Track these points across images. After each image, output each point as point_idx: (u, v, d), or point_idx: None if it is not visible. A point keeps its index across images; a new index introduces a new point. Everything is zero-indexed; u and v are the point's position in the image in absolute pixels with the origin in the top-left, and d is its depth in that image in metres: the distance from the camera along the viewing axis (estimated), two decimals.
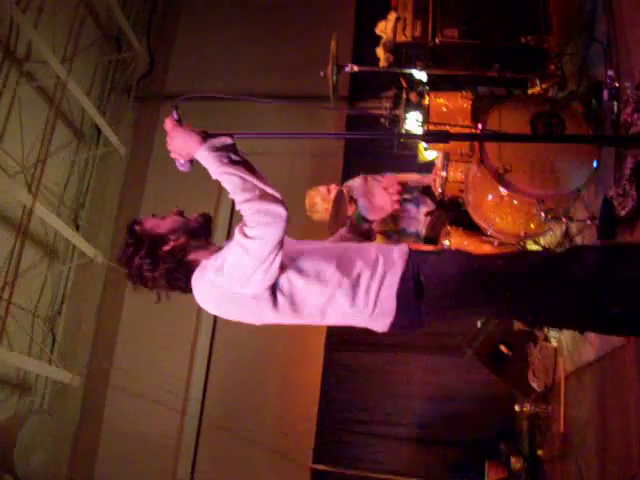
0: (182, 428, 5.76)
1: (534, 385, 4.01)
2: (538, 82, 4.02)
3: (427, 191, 4.50)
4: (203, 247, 2.23)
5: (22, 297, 5.22)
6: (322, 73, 3.99)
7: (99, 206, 6.27)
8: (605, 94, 3.13)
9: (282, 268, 2.11)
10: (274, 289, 2.14)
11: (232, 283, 2.10)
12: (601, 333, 2.91)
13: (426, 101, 3.90)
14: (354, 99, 5.45)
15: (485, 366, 4.18)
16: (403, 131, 4.11)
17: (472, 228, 3.82)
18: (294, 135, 2.41)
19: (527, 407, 4.14)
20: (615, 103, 3.07)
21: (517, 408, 4.25)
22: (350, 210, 4.19)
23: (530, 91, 4.17)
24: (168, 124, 2.06)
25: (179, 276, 2.21)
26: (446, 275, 2.21)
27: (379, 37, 4.85)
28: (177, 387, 5.81)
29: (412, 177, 4.67)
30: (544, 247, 3.67)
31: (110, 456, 5.78)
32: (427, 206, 4.42)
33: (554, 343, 3.81)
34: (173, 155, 2.10)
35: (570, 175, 3.05)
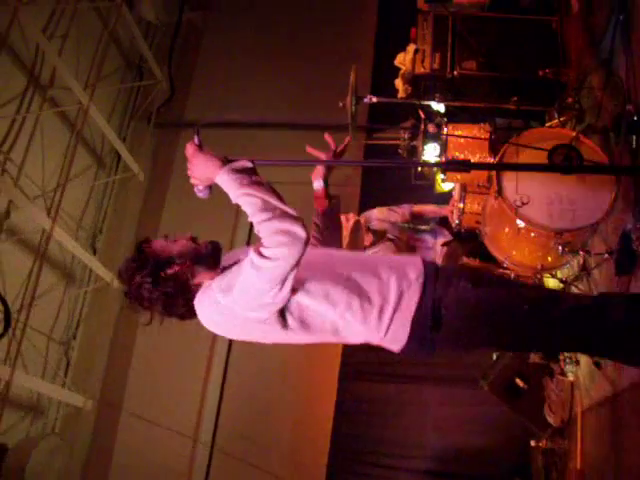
0: (193, 456, 5.73)
1: (550, 420, 3.96)
2: (556, 115, 4.03)
3: (444, 222, 4.50)
4: (208, 275, 2.16)
5: (38, 320, 5.24)
6: (341, 104, 4.02)
7: (117, 231, 6.32)
8: (623, 128, 3.13)
9: (291, 291, 2.04)
10: (283, 311, 2.08)
11: (239, 305, 2.03)
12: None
13: (444, 133, 3.91)
14: (372, 130, 5.47)
15: (500, 399, 4.13)
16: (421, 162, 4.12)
17: (488, 260, 3.81)
18: (313, 163, 2.40)
19: (543, 442, 4.08)
20: (634, 137, 3.06)
21: (533, 443, 4.18)
22: (367, 241, 4.20)
23: (548, 124, 4.18)
24: (189, 149, 2.05)
25: (178, 302, 2.15)
26: (470, 313, 2.13)
27: (398, 68, 4.90)
28: (189, 414, 5.79)
29: (429, 208, 4.68)
30: (562, 280, 3.64)
31: None
32: (444, 237, 4.43)
33: (571, 377, 3.76)
34: (193, 181, 2.08)
35: (588, 208, 3.04)
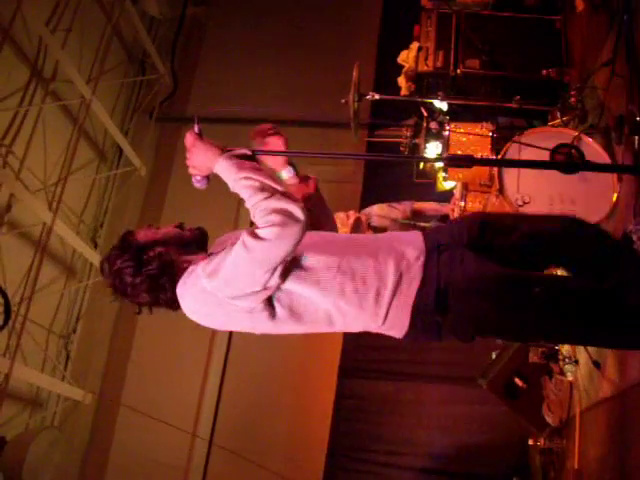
0: (192, 450, 5.74)
1: (549, 419, 3.96)
2: (559, 114, 4.03)
3: (445, 220, 4.50)
4: (194, 259, 2.05)
5: (38, 313, 5.24)
6: (344, 100, 4.02)
7: (118, 225, 6.31)
8: (626, 128, 3.12)
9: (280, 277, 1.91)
10: (270, 300, 1.94)
11: (225, 291, 1.90)
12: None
13: (446, 131, 3.91)
14: (375, 127, 5.47)
15: (499, 398, 4.13)
16: None
17: None
18: (314, 155, 2.29)
19: (541, 441, 4.08)
20: (636, 137, 3.06)
21: (531, 442, 4.19)
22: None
23: (550, 123, 4.18)
24: (189, 138, 1.99)
25: (163, 285, 2.02)
26: (478, 296, 1.97)
27: (401, 66, 4.90)
28: (188, 409, 5.80)
29: (430, 206, 4.68)
30: None
31: (119, 475, 5.76)
32: None
33: (570, 377, 3.76)
34: (191, 171, 2.03)
35: (589, 208, 3.04)
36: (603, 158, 3.13)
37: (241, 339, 5.80)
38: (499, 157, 3.39)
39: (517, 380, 4.03)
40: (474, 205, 4.07)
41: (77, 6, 5.44)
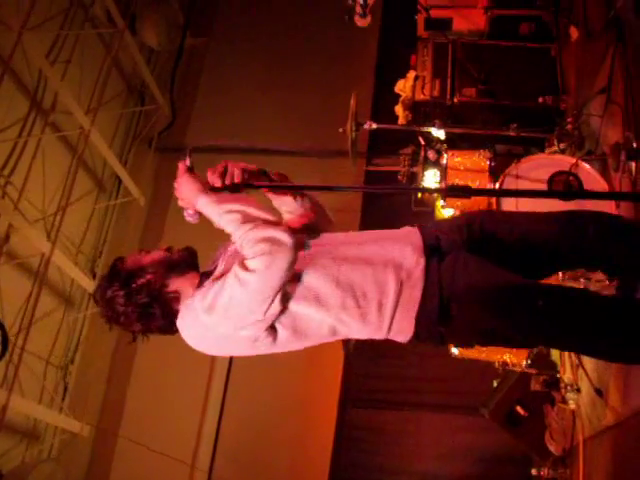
0: None
1: (551, 448, 3.92)
2: (556, 142, 4.04)
3: None
4: (186, 281, 2.04)
5: (36, 344, 5.20)
6: (341, 129, 4.04)
7: (116, 255, 6.30)
8: (623, 155, 3.13)
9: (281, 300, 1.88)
10: (272, 325, 1.93)
11: (226, 324, 1.88)
12: None
13: (444, 159, 3.93)
14: (372, 156, 5.50)
15: (501, 427, 4.09)
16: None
17: None
18: (308, 188, 2.23)
19: (545, 470, 4.04)
20: (633, 164, 3.07)
21: (534, 472, 4.14)
22: None
23: (548, 150, 4.19)
24: (179, 170, 2.00)
25: (154, 312, 2.00)
26: (481, 306, 1.95)
27: (398, 95, 4.93)
28: (187, 440, 5.73)
29: None
30: None
31: None
32: None
33: (572, 405, 3.73)
34: (180, 203, 2.02)
35: None
36: (601, 185, 3.14)
37: (241, 369, 5.76)
38: (497, 184, 3.40)
39: (519, 408, 4.00)
40: None
41: (77, 38, 5.50)
